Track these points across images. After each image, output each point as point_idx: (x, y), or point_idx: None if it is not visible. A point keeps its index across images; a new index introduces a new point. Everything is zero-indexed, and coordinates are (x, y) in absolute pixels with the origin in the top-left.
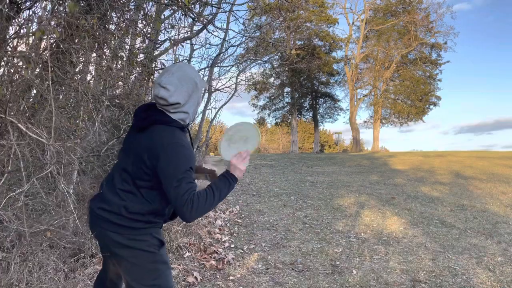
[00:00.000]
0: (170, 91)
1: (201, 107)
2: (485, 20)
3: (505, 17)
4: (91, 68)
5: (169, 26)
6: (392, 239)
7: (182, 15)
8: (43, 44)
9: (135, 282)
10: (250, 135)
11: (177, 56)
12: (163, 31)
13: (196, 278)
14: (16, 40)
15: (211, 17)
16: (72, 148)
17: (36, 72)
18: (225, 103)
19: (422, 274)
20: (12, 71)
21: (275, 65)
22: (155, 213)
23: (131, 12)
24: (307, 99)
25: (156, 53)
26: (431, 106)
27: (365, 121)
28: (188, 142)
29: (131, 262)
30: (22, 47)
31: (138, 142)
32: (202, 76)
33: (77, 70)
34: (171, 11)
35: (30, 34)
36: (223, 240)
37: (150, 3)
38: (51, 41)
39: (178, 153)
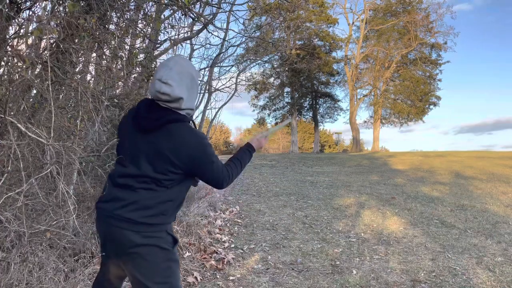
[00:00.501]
0: (173, 86)
1: (201, 107)
2: (485, 20)
3: (505, 17)
4: (91, 68)
5: (169, 26)
6: (392, 239)
7: (182, 15)
8: (43, 44)
9: (149, 281)
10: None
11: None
12: (163, 31)
13: (196, 278)
14: (16, 40)
15: (211, 17)
16: (72, 148)
17: (36, 72)
18: (225, 103)
19: (422, 274)
20: (12, 71)
21: (275, 65)
22: (175, 208)
23: (131, 12)
24: (307, 99)
25: (156, 53)
26: (431, 106)
27: (365, 121)
28: None
29: (146, 260)
30: (22, 47)
31: (151, 143)
32: (198, 70)
33: (77, 70)
34: (171, 11)
35: (29, 34)
36: (223, 240)
37: (150, 3)
38: (51, 41)
39: (205, 145)
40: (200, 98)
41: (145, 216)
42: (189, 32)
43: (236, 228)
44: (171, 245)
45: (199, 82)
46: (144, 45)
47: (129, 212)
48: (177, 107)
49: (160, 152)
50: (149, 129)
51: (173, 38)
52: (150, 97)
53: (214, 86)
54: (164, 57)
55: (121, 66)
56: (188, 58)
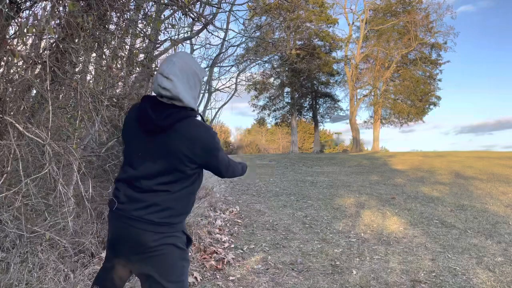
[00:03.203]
0: (173, 81)
1: (201, 107)
2: (487, 21)
3: (507, 18)
4: (91, 68)
5: (169, 26)
6: (392, 239)
7: (182, 15)
8: (42, 44)
9: (164, 279)
10: None
11: None
12: (163, 31)
13: (196, 278)
14: (16, 40)
15: (211, 17)
16: (71, 148)
17: (36, 72)
18: (225, 103)
19: (422, 274)
20: (11, 71)
21: (275, 65)
22: (190, 206)
23: (131, 12)
24: (307, 99)
25: (156, 53)
26: (431, 106)
27: (365, 121)
28: None
29: (165, 259)
30: (21, 47)
31: (163, 143)
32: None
33: (77, 70)
34: (171, 11)
35: (25, 31)
36: (223, 240)
37: (150, 3)
38: (51, 41)
39: (214, 138)
40: (200, 98)
41: (165, 217)
42: (189, 32)
43: (236, 228)
44: (186, 244)
45: (203, 80)
46: (144, 45)
47: (150, 213)
48: (180, 104)
49: (173, 151)
50: (159, 130)
51: (173, 38)
52: (152, 94)
53: (214, 86)
54: (164, 57)
55: (121, 66)
56: None
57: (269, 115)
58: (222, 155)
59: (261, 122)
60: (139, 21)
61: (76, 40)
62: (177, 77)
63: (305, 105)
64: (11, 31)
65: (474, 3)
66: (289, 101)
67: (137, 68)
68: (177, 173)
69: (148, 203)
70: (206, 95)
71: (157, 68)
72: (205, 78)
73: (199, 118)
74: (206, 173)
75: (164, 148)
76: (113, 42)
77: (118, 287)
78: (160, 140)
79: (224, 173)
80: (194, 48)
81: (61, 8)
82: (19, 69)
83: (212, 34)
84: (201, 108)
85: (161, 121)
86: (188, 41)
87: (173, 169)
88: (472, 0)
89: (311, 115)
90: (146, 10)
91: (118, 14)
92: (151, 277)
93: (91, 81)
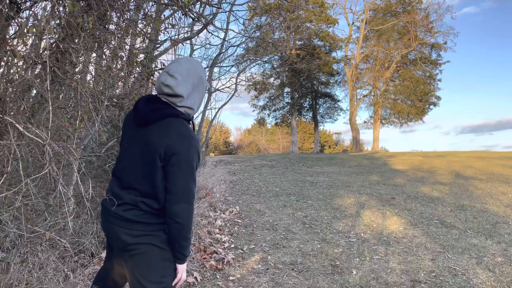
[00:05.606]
0: (178, 80)
1: (201, 107)
2: (490, 22)
3: (509, 19)
4: (91, 68)
5: (169, 26)
6: (392, 239)
7: (182, 15)
8: (43, 44)
9: (144, 279)
10: None
11: (177, 56)
12: (163, 31)
13: (196, 278)
14: (16, 40)
15: (211, 17)
16: (70, 148)
17: (36, 72)
18: (225, 103)
19: (422, 274)
20: (11, 71)
21: (275, 65)
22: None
23: (131, 12)
24: (307, 99)
25: (156, 53)
26: (431, 106)
27: (365, 121)
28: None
29: (143, 258)
30: (21, 47)
31: (146, 136)
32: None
33: (77, 70)
34: (171, 11)
35: (25, 31)
36: (223, 240)
37: (150, 3)
38: (51, 41)
39: (193, 147)
40: (201, 104)
41: (139, 215)
42: (189, 32)
43: (236, 228)
44: (168, 245)
45: (206, 86)
46: (144, 45)
47: (124, 211)
48: (176, 102)
49: (151, 144)
50: (146, 122)
51: (173, 38)
52: (153, 94)
53: (214, 86)
54: (164, 57)
55: (121, 66)
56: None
57: (269, 115)
58: (185, 172)
59: (261, 122)
60: (139, 21)
61: (76, 40)
62: (183, 76)
63: (305, 105)
64: (11, 31)
65: (477, 4)
66: (289, 101)
67: (137, 68)
68: (150, 170)
69: (124, 200)
70: (206, 95)
71: (156, 68)
72: (207, 86)
73: (191, 125)
74: (206, 173)
75: (143, 140)
76: (113, 42)
77: (118, 284)
78: (143, 132)
79: (178, 195)
80: (194, 48)
81: (61, 8)
82: (19, 69)
83: (212, 34)
84: (201, 109)
85: (146, 114)
86: (188, 41)
87: (146, 165)
88: (475, 2)
89: (311, 115)
90: (146, 10)
91: (118, 14)
92: (134, 276)
93: (91, 81)
